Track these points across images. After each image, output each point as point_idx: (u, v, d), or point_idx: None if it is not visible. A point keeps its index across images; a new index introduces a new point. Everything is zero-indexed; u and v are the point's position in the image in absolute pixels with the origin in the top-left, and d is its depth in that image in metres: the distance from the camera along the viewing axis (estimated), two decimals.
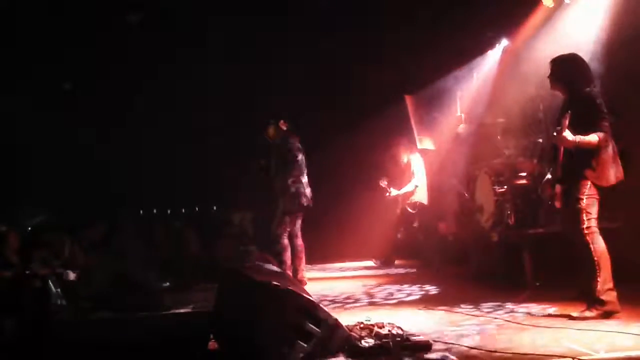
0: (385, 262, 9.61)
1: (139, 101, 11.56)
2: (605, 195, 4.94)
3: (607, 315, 4.68)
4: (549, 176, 5.27)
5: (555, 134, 4.86)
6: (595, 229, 4.81)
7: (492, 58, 9.52)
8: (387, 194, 9.13)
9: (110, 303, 5.72)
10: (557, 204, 5.14)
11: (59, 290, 6.14)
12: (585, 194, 4.82)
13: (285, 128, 7.86)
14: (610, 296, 4.72)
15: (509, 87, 8.55)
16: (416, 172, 9.11)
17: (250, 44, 10.80)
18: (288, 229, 7.77)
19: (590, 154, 4.80)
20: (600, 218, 4.94)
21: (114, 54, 10.68)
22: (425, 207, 9.13)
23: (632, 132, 6.30)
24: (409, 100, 10.84)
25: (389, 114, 10.83)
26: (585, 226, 4.80)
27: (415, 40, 9.88)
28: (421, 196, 9.07)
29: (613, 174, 4.83)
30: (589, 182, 4.82)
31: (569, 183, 4.96)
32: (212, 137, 11.87)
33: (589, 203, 4.81)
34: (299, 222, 7.91)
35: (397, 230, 9.47)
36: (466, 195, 8.93)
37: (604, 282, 4.72)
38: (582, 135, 4.75)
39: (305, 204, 7.74)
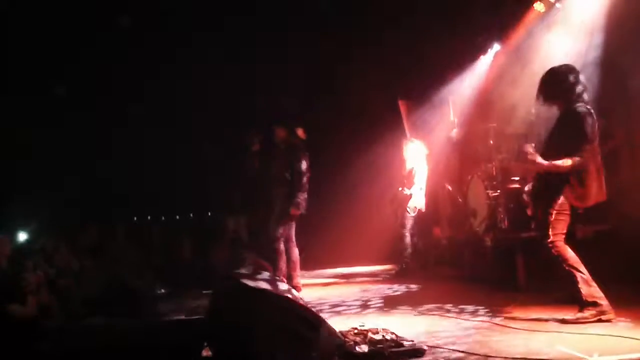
0: (405, 270, 9.06)
1: (134, 106, 11.55)
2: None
3: (601, 314, 4.68)
4: (529, 186, 5.35)
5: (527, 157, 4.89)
6: (560, 243, 4.83)
7: (484, 62, 9.57)
8: (400, 189, 9.07)
9: (103, 309, 5.71)
10: (529, 212, 5.22)
11: (51, 296, 6.12)
12: (556, 209, 4.85)
13: (304, 137, 7.90)
14: (599, 297, 4.73)
15: (501, 92, 8.60)
16: (420, 177, 9.07)
17: (246, 44, 10.82)
18: (284, 235, 7.79)
19: (572, 172, 4.80)
20: (589, 219, 4.98)
21: (112, 57, 10.68)
22: (422, 212, 9.11)
23: (621, 133, 6.36)
24: (402, 105, 10.89)
25: (382, 118, 10.86)
26: (549, 240, 4.84)
27: (408, 45, 9.92)
28: (420, 201, 9.05)
29: (593, 195, 4.85)
30: (563, 199, 4.84)
31: (544, 195, 4.97)
32: (206, 141, 11.87)
33: (558, 219, 4.84)
34: (294, 228, 7.94)
35: (412, 236, 9.21)
36: (459, 199, 8.95)
37: (588, 285, 4.74)
38: (563, 156, 4.74)
39: (304, 211, 7.80)
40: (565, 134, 4.86)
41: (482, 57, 9.58)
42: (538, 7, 8.02)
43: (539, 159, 4.77)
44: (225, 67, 10.91)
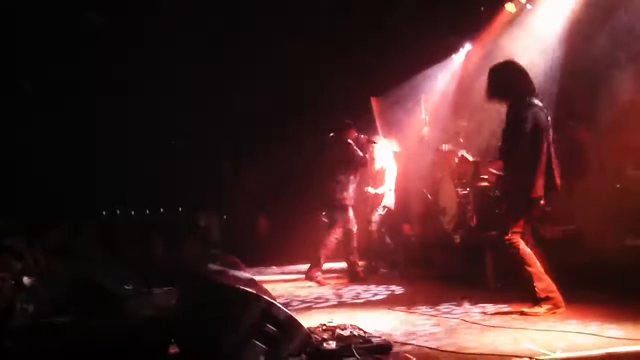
0: (374, 268, 9.12)
1: (103, 99, 11.38)
2: (562, 198, 5.09)
3: (555, 308, 4.90)
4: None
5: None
6: (516, 241, 4.99)
7: (456, 62, 9.65)
8: (365, 189, 9.07)
9: (70, 307, 5.62)
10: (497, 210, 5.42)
11: (18, 294, 6.01)
12: (515, 207, 5.06)
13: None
14: (552, 290, 4.91)
15: (472, 91, 8.68)
16: (390, 177, 9.07)
17: (217, 45, 10.75)
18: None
19: (519, 166, 5.01)
20: (558, 220, 5.10)
21: (79, 57, 10.51)
22: (392, 211, 9.12)
23: (589, 137, 6.46)
24: (374, 102, 10.91)
25: (355, 115, 10.85)
26: (506, 237, 5.02)
27: (381, 43, 9.94)
28: (390, 201, 9.05)
29: (540, 185, 4.98)
30: (519, 196, 5.01)
31: (505, 194, 5.24)
32: (179, 137, 11.77)
33: (518, 217, 5.03)
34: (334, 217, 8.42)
35: (380, 234, 9.24)
36: (430, 197, 9.00)
37: (541, 280, 4.93)
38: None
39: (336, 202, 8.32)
40: (508, 130, 5.06)
41: (454, 56, 9.67)
42: (509, 7, 8.12)
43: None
44: (200, 66, 10.83)
